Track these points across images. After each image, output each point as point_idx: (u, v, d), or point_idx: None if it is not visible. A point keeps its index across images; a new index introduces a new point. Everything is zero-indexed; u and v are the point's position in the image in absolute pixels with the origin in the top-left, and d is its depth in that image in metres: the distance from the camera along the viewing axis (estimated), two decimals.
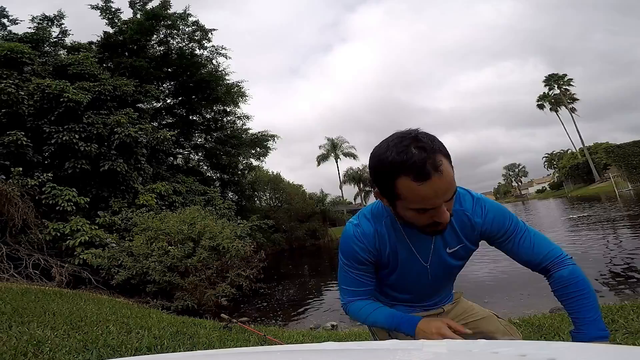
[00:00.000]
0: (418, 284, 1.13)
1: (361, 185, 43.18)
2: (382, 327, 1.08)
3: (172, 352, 2.50)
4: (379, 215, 1.04)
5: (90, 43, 15.12)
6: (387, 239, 1.03)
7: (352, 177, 41.80)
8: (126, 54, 15.15)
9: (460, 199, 1.04)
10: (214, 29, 16.80)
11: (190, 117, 18.32)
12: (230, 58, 22.33)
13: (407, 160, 0.79)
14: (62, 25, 14.06)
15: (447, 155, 0.84)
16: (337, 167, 41.98)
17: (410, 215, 0.88)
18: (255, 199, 23.17)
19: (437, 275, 1.11)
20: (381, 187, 0.90)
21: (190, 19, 16.21)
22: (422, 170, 0.78)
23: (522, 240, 1.05)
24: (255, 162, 20.54)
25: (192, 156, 18.70)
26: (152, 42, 16.18)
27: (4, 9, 13.04)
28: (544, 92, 45.64)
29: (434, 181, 0.79)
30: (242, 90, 18.27)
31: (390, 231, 1.03)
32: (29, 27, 13.11)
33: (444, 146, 0.85)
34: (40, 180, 8.50)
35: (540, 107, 46.38)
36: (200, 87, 16.76)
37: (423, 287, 1.16)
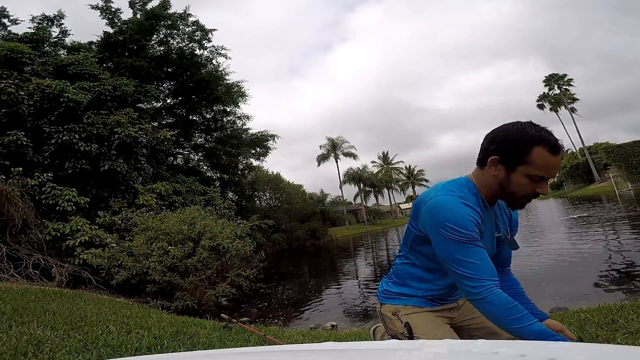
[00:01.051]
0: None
1: (361, 185, 43.13)
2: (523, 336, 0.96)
3: (172, 352, 2.50)
4: (468, 190, 1.12)
5: (90, 43, 15.14)
6: (479, 209, 1.10)
7: (352, 177, 41.72)
8: (126, 54, 15.16)
9: None
10: (214, 29, 16.84)
11: (190, 117, 18.33)
12: (230, 58, 22.37)
13: (547, 136, 1.01)
14: (62, 25, 14.10)
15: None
16: (337, 167, 41.99)
17: (523, 182, 1.04)
18: (255, 199, 23.18)
19: (490, 253, 1.17)
20: (509, 154, 1.04)
21: (190, 19, 16.25)
22: (556, 145, 1.01)
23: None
24: (255, 162, 20.59)
25: (192, 156, 18.71)
26: (152, 42, 16.18)
27: (4, 9, 13.07)
28: (544, 92, 45.64)
29: (559, 157, 1.02)
30: (242, 90, 18.30)
31: (479, 202, 1.12)
32: (29, 27, 13.16)
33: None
34: (40, 180, 8.50)
35: (540, 107, 46.36)
36: (200, 87, 16.77)
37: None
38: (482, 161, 1.11)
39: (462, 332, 1.30)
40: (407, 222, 1.27)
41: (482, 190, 1.12)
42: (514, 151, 1.02)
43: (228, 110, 18.77)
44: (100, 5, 15.29)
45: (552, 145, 1.00)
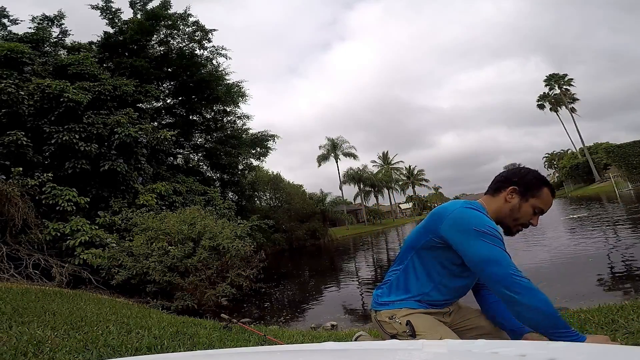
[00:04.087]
0: None
1: (361, 185, 43.13)
2: (557, 326, 1.06)
3: (172, 352, 2.50)
4: (484, 212, 1.32)
5: (91, 43, 15.12)
6: None
7: (352, 177, 41.72)
8: (126, 54, 15.15)
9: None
10: (214, 29, 16.81)
11: (190, 117, 18.31)
12: (230, 58, 22.36)
13: (549, 182, 1.36)
14: (62, 26, 14.08)
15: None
16: (337, 167, 41.97)
17: (529, 212, 1.32)
18: (255, 199, 23.17)
19: None
20: (526, 188, 1.32)
21: (191, 19, 16.22)
22: (554, 191, 1.35)
23: None
24: (255, 162, 20.56)
25: (192, 156, 18.69)
26: (152, 42, 16.17)
27: (4, 9, 13.05)
28: (544, 92, 45.65)
29: (553, 199, 1.34)
30: (242, 90, 18.29)
31: None
32: (29, 27, 13.12)
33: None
34: (40, 180, 8.49)
35: (541, 107, 46.37)
36: (200, 87, 16.76)
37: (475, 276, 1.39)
38: (497, 189, 1.37)
39: (458, 335, 1.34)
40: (408, 223, 1.34)
41: (491, 215, 1.32)
42: (532, 186, 1.32)
43: (228, 110, 18.76)
44: (100, 5, 15.27)
45: (553, 189, 1.33)
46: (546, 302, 1.08)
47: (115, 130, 10.08)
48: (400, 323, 1.29)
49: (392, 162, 55.28)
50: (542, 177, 1.34)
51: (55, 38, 13.69)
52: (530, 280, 1.12)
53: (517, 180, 1.33)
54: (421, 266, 1.33)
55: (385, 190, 48.21)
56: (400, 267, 1.39)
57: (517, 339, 1.29)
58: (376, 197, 46.98)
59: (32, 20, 13.37)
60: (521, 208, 1.31)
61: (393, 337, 1.27)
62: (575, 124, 43.48)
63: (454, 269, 1.30)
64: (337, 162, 40.80)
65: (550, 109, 45.70)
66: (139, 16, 15.62)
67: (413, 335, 1.22)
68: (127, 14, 16.14)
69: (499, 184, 1.37)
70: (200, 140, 18.94)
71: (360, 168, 42.82)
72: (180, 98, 17.70)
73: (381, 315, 1.37)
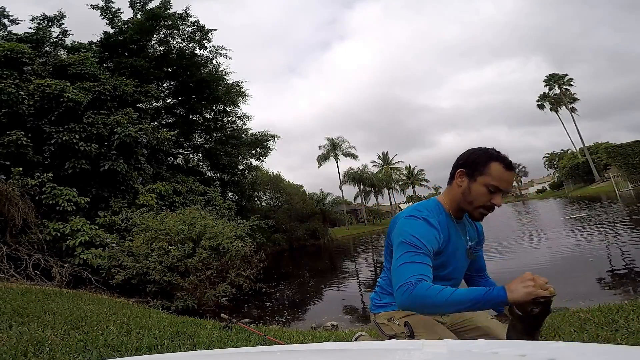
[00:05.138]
0: (457, 268, 1.34)
1: (361, 185, 43.10)
2: (463, 302, 1.00)
3: (172, 352, 2.50)
4: (437, 210, 1.30)
5: (91, 43, 15.12)
6: (447, 227, 1.29)
7: (352, 177, 41.67)
8: (126, 54, 15.14)
9: None
10: (214, 29, 16.80)
11: (190, 117, 18.30)
12: (230, 58, 22.35)
13: (503, 156, 1.24)
14: (62, 26, 14.05)
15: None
16: (337, 167, 41.90)
17: (482, 191, 1.23)
18: (255, 199, 23.15)
19: (464, 263, 1.37)
20: (472, 167, 1.24)
21: (190, 19, 16.21)
22: (510, 164, 1.23)
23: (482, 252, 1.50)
24: (255, 162, 20.52)
25: (192, 156, 18.67)
26: (152, 42, 16.16)
27: (4, 9, 13.04)
28: (544, 92, 45.66)
29: (512, 174, 1.24)
30: (242, 90, 18.28)
31: (448, 220, 1.30)
32: (29, 27, 13.12)
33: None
34: (40, 180, 8.49)
35: (541, 107, 46.38)
36: (200, 87, 16.75)
37: (459, 272, 1.37)
38: (451, 177, 1.31)
39: (458, 335, 1.36)
40: None
41: (450, 207, 1.31)
42: (476, 164, 1.24)
43: (228, 110, 18.74)
44: (100, 5, 15.26)
45: (507, 163, 1.22)
46: (433, 296, 1.00)
47: (115, 130, 10.08)
48: (398, 324, 1.31)
49: (392, 162, 55.30)
50: (490, 152, 1.24)
51: (55, 38, 13.68)
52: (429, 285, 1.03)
53: (463, 162, 1.27)
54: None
55: (385, 190, 48.20)
56: (384, 273, 1.44)
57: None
58: (376, 197, 46.98)
59: (32, 20, 13.37)
60: (471, 189, 1.23)
61: (391, 338, 1.28)
62: (575, 124, 43.53)
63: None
64: (337, 162, 40.78)
65: (551, 109, 45.72)
66: (139, 16, 15.61)
67: (411, 336, 1.23)
68: (127, 14, 16.19)
69: (451, 172, 1.31)
70: (200, 140, 18.93)
71: (360, 168, 42.77)
72: (180, 98, 17.69)
73: (380, 317, 1.39)
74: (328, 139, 40.16)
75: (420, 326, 1.27)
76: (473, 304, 0.99)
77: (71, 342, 2.48)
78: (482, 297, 0.98)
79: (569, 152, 54.53)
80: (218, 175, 19.02)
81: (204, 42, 16.74)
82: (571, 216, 14.37)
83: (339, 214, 32.98)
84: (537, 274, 1.07)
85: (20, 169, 8.23)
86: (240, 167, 19.49)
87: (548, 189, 65.56)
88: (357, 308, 6.72)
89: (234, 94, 18.01)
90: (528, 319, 0.95)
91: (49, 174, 8.71)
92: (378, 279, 1.50)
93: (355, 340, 1.75)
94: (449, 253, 1.28)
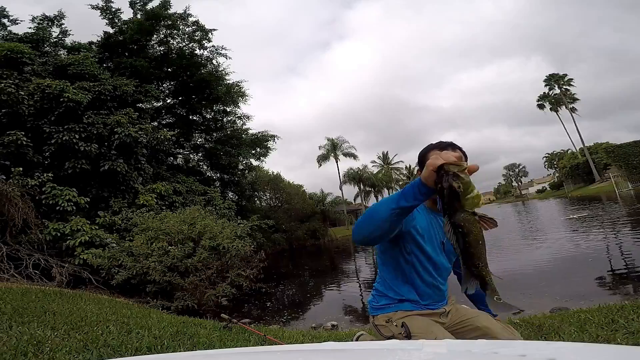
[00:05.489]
0: (436, 257, 1.37)
1: (361, 186, 43.10)
2: (393, 198, 1.05)
3: (172, 352, 2.50)
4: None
5: (91, 43, 15.12)
6: (424, 213, 1.36)
7: (352, 177, 41.66)
8: (126, 54, 15.15)
9: None
10: (214, 29, 16.81)
11: (190, 117, 18.30)
12: (230, 58, 22.34)
13: (443, 143, 1.32)
14: (62, 26, 14.07)
15: (464, 154, 1.32)
16: (337, 167, 41.87)
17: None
18: (255, 199, 23.15)
19: (442, 255, 1.38)
20: (420, 162, 1.33)
21: (190, 19, 16.22)
22: (446, 146, 1.30)
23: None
24: (255, 162, 20.52)
25: (192, 156, 18.69)
26: (152, 42, 16.17)
27: (4, 9, 13.05)
28: (544, 92, 45.67)
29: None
30: (242, 90, 18.27)
31: (425, 208, 1.37)
32: (29, 27, 13.13)
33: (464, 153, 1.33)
34: (40, 180, 8.49)
35: (541, 107, 46.39)
36: (200, 87, 16.75)
37: (441, 263, 1.38)
38: None
39: (457, 336, 1.36)
40: None
41: (426, 204, 1.37)
42: (422, 156, 1.33)
43: (228, 110, 18.74)
44: (100, 5, 15.27)
45: (442, 146, 1.31)
46: (372, 207, 1.12)
47: (115, 130, 10.08)
48: (396, 325, 1.33)
49: (392, 162, 55.26)
50: (431, 145, 1.33)
51: (55, 38, 13.69)
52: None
53: (418, 160, 1.37)
54: (390, 266, 1.40)
55: (386, 190, 48.18)
56: (379, 273, 1.49)
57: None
58: (376, 197, 46.93)
59: (32, 20, 13.38)
60: None
61: (389, 339, 1.29)
62: (576, 124, 43.55)
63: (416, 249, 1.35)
64: (337, 162, 40.73)
65: (551, 109, 45.72)
66: (138, 16, 15.61)
67: (408, 336, 1.25)
68: (127, 14, 16.14)
69: None
70: (200, 140, 18.93)
71: (360, 168, 42.78)
72: (180, 98, 17.69)
73: (378, 319, 1.43)
74: (328, 139, 40.14)
75: (417, 327, 1.28)
76: (402, 194, 1.03)
77: (71, 342, 2.47)
78: (408, 186, 1.03)
79: (569, 152, 54.53)
80: (218, 175, 19.02)
81: (203, 42, 16.75)
82: (571, 216, 14.38)
83: (339, 214, 32.99)
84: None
85: (20, 169, 8.23)
86: (240, 167, 19.49)
87: (548, 189, 65.57)
88: (357, 308, 6.72)
89: (234, 94, 17.99)
90: (442, 197, 0.89)
91: (49, 174, 8.71)
92: (374, 283, 1.53)
93: (356, 340, 1.76)
94: (428, 237, 1.34)
